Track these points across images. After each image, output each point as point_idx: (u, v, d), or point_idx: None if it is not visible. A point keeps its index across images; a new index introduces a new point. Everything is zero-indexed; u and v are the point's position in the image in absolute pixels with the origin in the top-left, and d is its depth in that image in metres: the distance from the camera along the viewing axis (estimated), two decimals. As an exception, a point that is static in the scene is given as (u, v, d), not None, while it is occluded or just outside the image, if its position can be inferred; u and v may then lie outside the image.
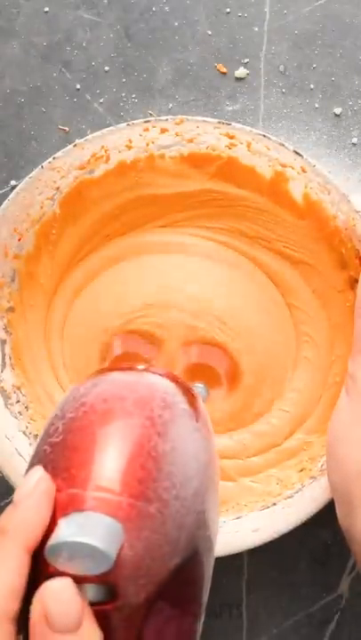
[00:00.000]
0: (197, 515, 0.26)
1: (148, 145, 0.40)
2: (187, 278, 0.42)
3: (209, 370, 0.41)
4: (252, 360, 0.41)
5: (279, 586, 0.44)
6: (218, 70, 0.45)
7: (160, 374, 0.30)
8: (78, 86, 0.46)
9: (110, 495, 0.23)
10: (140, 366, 0.30)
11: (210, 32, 0.45)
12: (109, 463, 0.24)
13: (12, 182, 0.45)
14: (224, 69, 0.45)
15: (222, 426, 0.42)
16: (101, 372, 0.30)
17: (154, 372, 0.30)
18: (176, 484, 0.25)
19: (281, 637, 0.44)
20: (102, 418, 0.26)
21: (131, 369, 0.30)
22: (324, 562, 0.44)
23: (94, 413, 0.26)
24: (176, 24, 0.45)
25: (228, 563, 0.44)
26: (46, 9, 0.46)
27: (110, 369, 0.30)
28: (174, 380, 0.30)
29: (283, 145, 0.38)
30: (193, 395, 0.30)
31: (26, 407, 0.41)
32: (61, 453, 0.25)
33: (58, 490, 0.24)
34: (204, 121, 0.39)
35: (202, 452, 0.28)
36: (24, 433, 0.40)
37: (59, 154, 0.39)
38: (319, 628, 0.44)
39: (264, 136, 0.38)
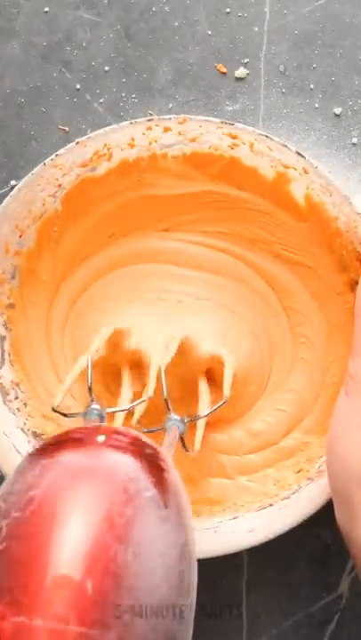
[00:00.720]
0: (166, 626, 0.23)
1: (150, 143, 0.39)
2: (183, 291, 0.42)
3: (201, 373, 0.41)
4: (243, 367, 0.41)
5: (279, 586, 0.44)
6: (218, 70, 0.45)
7: (123, 448, 0.26)
8: (78, 86, 0.45)
9: (61, 625, 0.20)
10: (101, 437, 0.26)
11: (210, 32, 0.45)
12: (60, 584, 0.21)
13: (12, 182, 0.45)
14: (224, 69, 0.45)
15: (216, 419, 0.41)
16: (56, 444, 0.26)
17: (115, 447, 0.26)
18: (140, 598, 0.22)
19: (281, 637, 0.44)
20: (52, 522, 0.22)
21: (88, 443, 0.26)
22: (323, 562, 0.44)
23: (42, 515, 0.23)
24: (176, 24, 0.45)
25: (228, 563, 0.44)
26: (46, 9, 0.46)
27: (65, 441, 0.26)
28: (139, 453, 0.26)
29: (285, 146, 0.38)
30: (161, 468, 0.27)
31: (24, 404, 0.41)
32: (6, 567, 0.22)
33: (2, 617, 0.21)
34: (207, 120, 0.39)
35: (171, 547, 0.24)
36: (22, 430, 0.40)
37: (61, 151, 0.39)
38: (319, 628, 0.44)
39: (267, 136, 0.38)
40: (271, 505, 0.39)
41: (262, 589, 0.44)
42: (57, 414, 0.41)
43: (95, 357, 0.38)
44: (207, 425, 0.40)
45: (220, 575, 0.44)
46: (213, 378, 0.40)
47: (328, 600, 0.44)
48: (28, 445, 0.40)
